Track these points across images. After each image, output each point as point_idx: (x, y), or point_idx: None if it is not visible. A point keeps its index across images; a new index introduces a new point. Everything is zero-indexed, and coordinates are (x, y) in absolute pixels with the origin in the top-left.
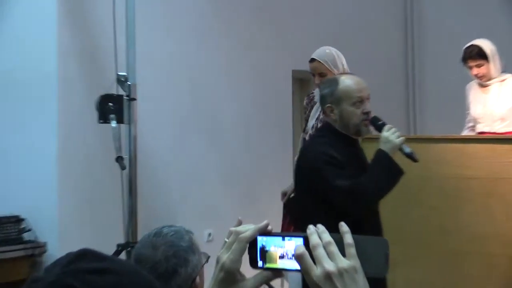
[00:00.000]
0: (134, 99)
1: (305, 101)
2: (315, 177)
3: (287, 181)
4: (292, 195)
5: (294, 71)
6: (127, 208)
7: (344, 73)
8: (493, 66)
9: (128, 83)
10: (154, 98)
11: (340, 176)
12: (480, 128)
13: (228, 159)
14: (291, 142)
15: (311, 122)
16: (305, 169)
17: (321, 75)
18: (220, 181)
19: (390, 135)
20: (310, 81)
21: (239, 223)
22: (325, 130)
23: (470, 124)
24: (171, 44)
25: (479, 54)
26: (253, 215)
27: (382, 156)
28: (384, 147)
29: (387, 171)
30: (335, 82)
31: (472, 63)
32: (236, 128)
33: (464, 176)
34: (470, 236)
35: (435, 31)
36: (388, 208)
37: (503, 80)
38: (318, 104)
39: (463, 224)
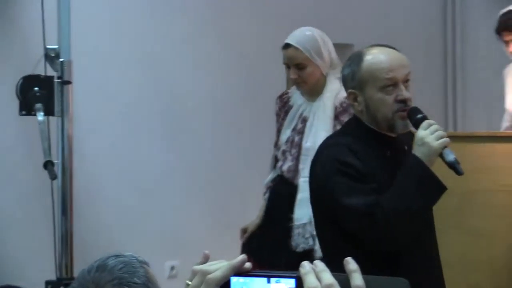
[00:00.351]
0: (69, 82)
1: (276, 105)
2: (324, 192)
3: None
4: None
5: None
6: (59, 231)
7: (376, 45)
8: None
9: (61, 60)
10: (95, 81)
11: (355, 192)
12: None
13: (196, 164)
14: None
15: (286, 134)
16: (312, 183)
17: (299, 66)
18: (186, 194)
19: (428, 135)
20: None
21: (206, 259)
22: (350, 125)
23: (508, 124)
24: (116, 9)
25: None
26: (228, 241)
27: (415, 164)
28: (418, 151)
29: (419, 185)
30: (358, 58)
31: (508, 36)
32: (206, 123)
33: None
34: None
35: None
36: None
37: None
38: (295, 109)
39: None
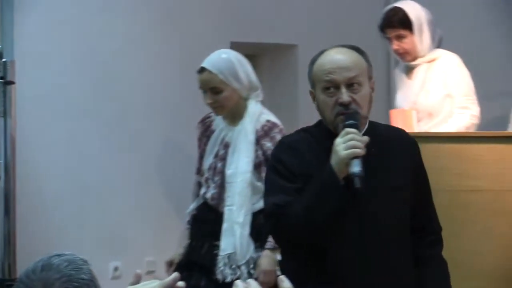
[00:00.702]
0: (12, 82)
1: (198, 130)
2: None
3: None
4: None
5: (234, 44)
6: (1, 232)
7: (341, 45)
8: (420, 39)
9: (4, 60)
10: (39, 82)
11: (277, 190)
12: None
13: (143, 165)
14: None
15: (208, 160)
16: None
17: (215, 90)
18: (131, 196)
19: (340, 143)
20: (257, 57)
21: (138, 279)
22: (316, 123)
23: None
24: (63, 7)
25: (402, 22)
26: (172, 243)
27: (324, 171)
28: (331, 158)
29: (320, 191)
30: (314, 58)
31: (391, 33)
32: (155, 123)
33: (464, 187)
34: (467, 272)
35: None
36: None
37: (432, 61)
38: (217, 134)
39: (461, 254)
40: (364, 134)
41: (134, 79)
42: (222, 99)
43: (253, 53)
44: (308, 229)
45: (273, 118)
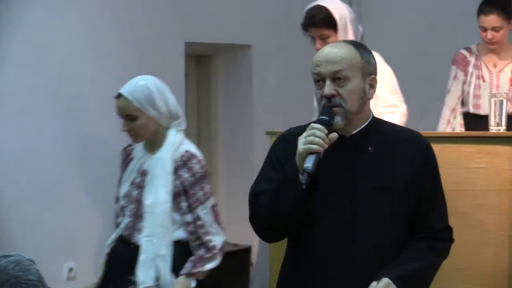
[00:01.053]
0: None
1: (120, 157)
2: None
3: None
4: None
5: (188, 44)
6: None
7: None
8: (344, 38)
9: None
10: None
11: (262, 179)
12: None
13: (97, 166)
14: None
15: (124, 187)
16: None
17: (130, 118)
18: (87, 197)
19: (302, 137)
20: (211, 58)
21: None
22: None
23: None
24: (17, 8)
25: (326, 21)
26: None
27: (289, 165)
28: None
29: (281, 184)
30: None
31: (315, 32)
32: (109, 124)
33: None
34: None
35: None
36: None
37: None
38: (135, 161)
39: None
40: (363, 132)
41: (88, 80)
42: (138, 127)
43: (208, 53)
44: (270, 219)
45: (192, 149)
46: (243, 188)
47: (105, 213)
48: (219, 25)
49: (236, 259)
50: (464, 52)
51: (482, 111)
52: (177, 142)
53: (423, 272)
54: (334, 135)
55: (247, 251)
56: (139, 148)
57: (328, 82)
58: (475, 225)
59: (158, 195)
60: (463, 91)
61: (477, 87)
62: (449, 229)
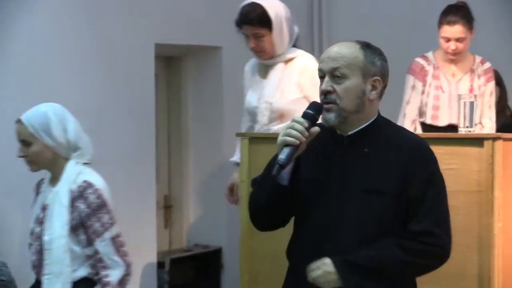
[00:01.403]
0: None
1: (34, 191)
2: None
3: (148, 202)
4: None
5: (158, 46)
6: None
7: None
8: (279, 38)
9: None
10: None
11: (264, 172)
12: (256, 128)
13: None
14: (153, 147)
15: (30, 224)
16: None
17: (24, 143)
18: None
19: (282, 129)
20: (181, 59)
21: None
22: None
23: (249, 124)
24: None
25: (261, 20)
26: None
27: (274, 156)
28: None
29: (265, 175)
30: None
31: (249, 30)
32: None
33: None
34: None
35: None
36: None
37: (289, 60)
38: (40, 196)
39: None
40: (361, 132)
41: (57, 81)
42: (32, 154)
43: (178, 54)
44: (253, 207)
45: (90, 178)
46: (212, 189)
47: None
48: (189, 27)
49: (206, 260)
50: (421, 61)
51: (440, 122)
52: (74, 173)
53: (377, 261)
54: (316, 129)
55: (217, 252)
56: (46, 182)
57: (326, 79)
58: None
59: (54, 230)
60: (421, 101)
61: (436, 98)
62: (432, 234)
